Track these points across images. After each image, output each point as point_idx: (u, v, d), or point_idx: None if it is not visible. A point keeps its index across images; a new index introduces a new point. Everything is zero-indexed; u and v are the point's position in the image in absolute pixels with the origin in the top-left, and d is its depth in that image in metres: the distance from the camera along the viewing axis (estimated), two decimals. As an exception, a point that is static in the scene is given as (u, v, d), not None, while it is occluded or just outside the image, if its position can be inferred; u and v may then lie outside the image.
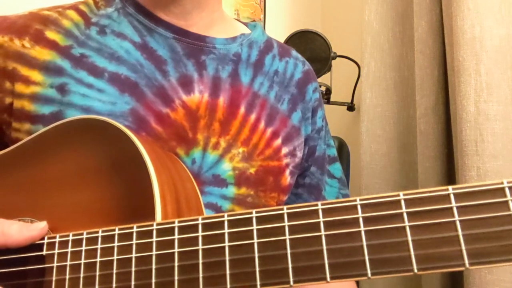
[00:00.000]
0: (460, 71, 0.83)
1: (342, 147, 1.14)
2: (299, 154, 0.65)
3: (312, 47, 1.19)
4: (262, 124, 0.61)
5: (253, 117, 0.60)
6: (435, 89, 0.97)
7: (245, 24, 0.70)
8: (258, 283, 0.34)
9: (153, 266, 0.37)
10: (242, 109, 0.59)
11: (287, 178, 0.62)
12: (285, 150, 0.62)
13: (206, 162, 0.56)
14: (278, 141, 0.62)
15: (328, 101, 1.32)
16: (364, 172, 1.10)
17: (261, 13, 1.56)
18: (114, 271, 0.38)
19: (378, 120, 1.10)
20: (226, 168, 0.57)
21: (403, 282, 1.04)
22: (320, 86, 1.26)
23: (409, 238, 0.31)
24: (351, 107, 1.43)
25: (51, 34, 0.56)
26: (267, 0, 1.59)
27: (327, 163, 0.72)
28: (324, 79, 1.29)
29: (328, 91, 1.30)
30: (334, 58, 1.22)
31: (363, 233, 0.32)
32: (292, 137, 0.64)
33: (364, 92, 1.13)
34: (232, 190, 0.57)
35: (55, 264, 0.42)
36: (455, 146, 0.91)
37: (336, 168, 0.73)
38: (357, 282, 1.07)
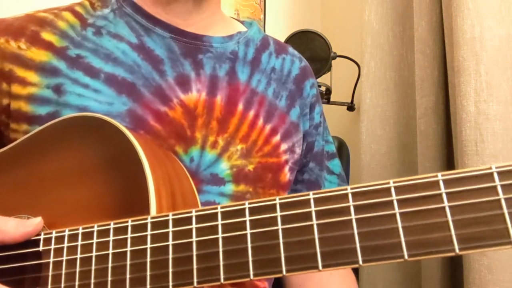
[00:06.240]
0: (460, 71, 0.83)
1: (342, 147, 1.14)
2: (298, 150, 0.65)
3: (312, 47, 1.19)
4: (260, 121, 0.61)
5: (251, 114, 0.60)
6: (435, 89, 0.96)
7: (242, 22, 0.71)
8: (252, 273, 0.34)
9: (148, 259, 0.37)
10: (240, 106, 0.60)
11: (286, 175, 0.62)
12: (284, 146, 0.62)
13: (204, 160, 0.56)
14: (277, 138, 0.62)
15: (328, 101, 1.32)
16: (364, 172, 1.10)
17: (261, 13, 1.56)
18: (110, 265, 0.39)
19: (378, 120, 1.10)
20: (224, 167, 0.57)
21: (403, 282, 1.03)
22: (320, 86, 1.26)
23: (400, 225, 0.31)
24: (351, 107, 1.43)
25: (47, 35, 0.56)
26: (267, 0, 1.59)
27: (326, 159, 0.72)
28: (324, 79, 1.28)
29: (328, 91, 1.30)
30: (334, 58, 1.22)
31: (354, 221, 0.33)
32: (291, 134, 0.64)
33: (364, 92, 1.13)
34: (230, 187, 0.57)
35: (51, 260, 0.42)
36: (455, 146, 0.91)
37: (335, 164, 0.73)
38: (358, 282, 1.06)
